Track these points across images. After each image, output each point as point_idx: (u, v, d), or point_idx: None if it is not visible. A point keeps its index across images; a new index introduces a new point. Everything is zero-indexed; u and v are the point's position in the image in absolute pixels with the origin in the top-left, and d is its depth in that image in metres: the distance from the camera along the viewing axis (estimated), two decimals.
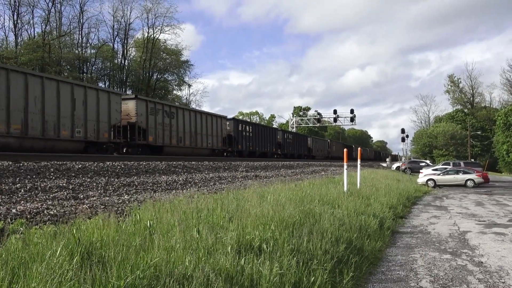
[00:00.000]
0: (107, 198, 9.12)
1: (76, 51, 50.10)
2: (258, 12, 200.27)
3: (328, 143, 64.56)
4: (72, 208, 7.29)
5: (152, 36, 56.32)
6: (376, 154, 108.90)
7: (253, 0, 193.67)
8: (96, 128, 19.34)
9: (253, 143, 36.27)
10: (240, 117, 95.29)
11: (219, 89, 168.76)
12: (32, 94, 16.37)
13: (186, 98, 65.74)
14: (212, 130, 29.49)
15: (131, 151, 22.38)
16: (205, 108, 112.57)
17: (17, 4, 43.97)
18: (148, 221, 5.57)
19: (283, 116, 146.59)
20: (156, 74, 60.08)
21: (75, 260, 3.75)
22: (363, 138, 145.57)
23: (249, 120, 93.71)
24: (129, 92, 53.00)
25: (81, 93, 18.77)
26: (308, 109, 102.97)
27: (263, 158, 34.04)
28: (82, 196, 9.11)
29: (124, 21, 54.62)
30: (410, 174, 36.60)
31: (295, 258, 4.79)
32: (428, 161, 50.39)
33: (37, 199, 8.23)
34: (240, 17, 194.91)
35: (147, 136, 22.70)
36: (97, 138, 19.44)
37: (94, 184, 10.64)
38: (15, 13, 44.09)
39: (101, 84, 52.46)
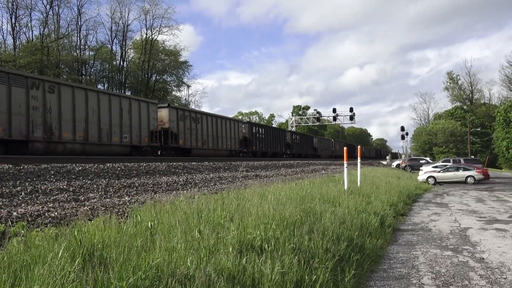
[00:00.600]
0: (107, 199, 9.12)
1: (75, 54, 50.09)
2: (258, 12, 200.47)
3: (332, 142, 66.27)
4: (73, 210, 7.30)
5: (151, 37, 56.34)
6: (377, 152, 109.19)
7: (252, 0, 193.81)
8: (138, 134, 22.29)
9: (265, 144, 38.86)
10: (240, 117, 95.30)
11: (218, 90, 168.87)
12: (91, 107, 19.23)
13: (185, 99, 65.77)
14: (230, 133, 32.42)
15: (165, 153, 25.08)
16: (204, 108, 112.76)
17: (15, 7, 44.01)
18: (149, 222, 5.58)
19: (283, 115, 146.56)
20: (155, 75, 60.08)
21: (76, 262, 3.75)
22: (362, 136, 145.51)
23: (248, 119, 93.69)
24: (128, 93, 53.02)
25: (127, 104, 21.67)
26: (307, 108, 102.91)
27: (268, 158, 35.37)
28: (82, 198, 9.12)
29: (122, 23, 54.66)
30: (410, 171, 36.60)
31: (296, 257, 4.79)
32: (428, 159, 50.42)
33: (38, 201, 8.23)
34: (240, 17, 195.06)
35: (178, 140, 25.60)
36: (140, 142, 22.37)
37: (95, 186, 10.64)
38: (13, 16, 44.12)
39: (100, 86, 52.52)
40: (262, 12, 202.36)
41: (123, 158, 18.25)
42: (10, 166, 11.20)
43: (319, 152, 56.02)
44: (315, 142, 55.73)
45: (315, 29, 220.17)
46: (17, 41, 44.99)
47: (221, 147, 30.79)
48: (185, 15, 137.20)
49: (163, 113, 25.10)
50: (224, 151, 31.34)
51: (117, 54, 55.79)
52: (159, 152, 25.01)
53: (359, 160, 15.60)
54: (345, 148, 14.08)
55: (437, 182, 26.58)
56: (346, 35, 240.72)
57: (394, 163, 50.05)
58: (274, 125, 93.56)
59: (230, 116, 37.73)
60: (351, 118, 63.31)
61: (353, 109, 63.06)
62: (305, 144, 51.47)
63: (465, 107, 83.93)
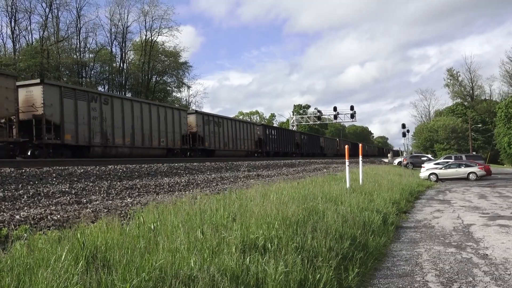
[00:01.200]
0: (110, 201, 9.12)
1: (75, 56, 50.10)
2: (258, 12, 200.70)
3: (337, 141, 68.05)
4: (75, 213, 7.30)
5: (150, 38, 56.33)
6: (380, 150, 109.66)
7: (252, 0, 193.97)
8: (173, 138, 25.32)
9: (277, 145, 41.71)
10: (240, 117, 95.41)
11: (219, 90, 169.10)
12: (135, 115, 22.24)
13: (186, 99, 65.77)
14: (247, 135, 35.52)
15: (193, 154, 27.74)
16: (206, 109, 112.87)
17: (14, 10, 44.01)
18: (152, 224, 5.58)
19: (283, 115, 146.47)
20: (155, 76, 60.07)
21: (80, 264, 3.76)
22: (364, 134, 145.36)
23: (249, 119, 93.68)
24: (129, 94, 53.06)
25: (163, 112, 24.67)
26: (308, 107, 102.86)
27: (270, 157, 36.52)
28: (85, 200, 9.12)
29: (122, 25, 54.61)
30: (412, 168, 36.56)
31: (299, 256, 4.78)
32: (429, 155, 50.29)
33: (40, 204, 8.24)
34: (240, 17, 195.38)
35: (204, 142, 28.69)
36: (174, 145, 25.42)
37: (97, 188, 10.64)
38: (13, 20, 44.13)
39: (100, 88, 52.50)
40: (262, 12, 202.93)
41: (125, 160, 18.33)
42: (12, 169, 11.21)
43: (325, 151, 57.31)
44: (322, 142, 57.60)
45: (315, 28, 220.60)
46: (17, 45, 45.05)
47: (240, 148, 33.60)
48: (186, 16, 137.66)
49: (191, 119, 27.88)
50: (242, 151, 34.24)
51: (117, 56, 55.82)
52: (188, 153, 27.65)
53: (360, 158, 15.58)
54: (346, 147, 14.07)
55: (439, 179, 26.53)
56: (346, 33, 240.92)
57: (396, 161, 50.00)
58: (275, 124, 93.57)
59: (231, 116, 38.89)
60: (352, 116, 63.20)
61: (354, 107, 62.92)
62: (313, 143, 53.82)
63: (466, 103, 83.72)
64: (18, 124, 16.42)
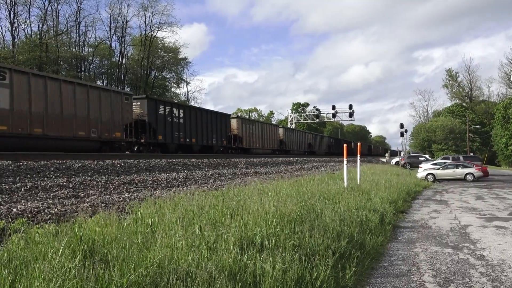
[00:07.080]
0: (107, 196, 9.10)
1: (74, 50, 49.93)
2: (269, 13, 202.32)
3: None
4: (73, 207, 7.28)
5: (150, 34, 56.17)
6: (385, 151, 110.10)
7: (265, 1, 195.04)
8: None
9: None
10: (239, 114, 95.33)
11: (225, 87, 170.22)
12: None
13: (185, 95, 65.70)
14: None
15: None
16: (209, 106, 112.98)
17: (13, 3, 43.78)
18: (150, 219, 5.56)
19: (283, 113, 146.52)
20: (154, 71, 59.98)
21: (77, 259, 3.74)
22: (362, 133, 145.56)
23: (247, 116, 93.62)
24: (127, 89, 52.96)
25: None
26: (307, 105, 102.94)
27: (262, 155, 34.81)
28: (82, 194, 9.10)
29: (121, 19, 54.48)
30: (409, 168, 36.60)
31: (297, 254, 4.78)
32: (427, 156, 50.37)
33: (38, 198, 8.21)
34: (252, 17, 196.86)
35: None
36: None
37: (94, 183, 10.61)
38: (12, 12, 43.91)
39: (99, 82, 52.38)
40: (274, 12, 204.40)
41: (123, 155, 18.17)
42: (10, 162, 11.17)
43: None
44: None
45: (323, 29, 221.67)
46: (16, 38, 44.86)
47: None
48: (200, 14, 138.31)
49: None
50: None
51: (116, 50, 55.67)
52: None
53: (358, 158, 15.60)
54: (344, 145, 14.07)
55: (436, 180, 26.58)
56: (354, 34, 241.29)
57: (393, 160, 50.09)
58: (273, 122, 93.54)
59: (230, 113, 36.82)
60: (350, 115, 63.18)
61: (353, 106, 62.91)
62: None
63: (464, 104, 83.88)
64: None
